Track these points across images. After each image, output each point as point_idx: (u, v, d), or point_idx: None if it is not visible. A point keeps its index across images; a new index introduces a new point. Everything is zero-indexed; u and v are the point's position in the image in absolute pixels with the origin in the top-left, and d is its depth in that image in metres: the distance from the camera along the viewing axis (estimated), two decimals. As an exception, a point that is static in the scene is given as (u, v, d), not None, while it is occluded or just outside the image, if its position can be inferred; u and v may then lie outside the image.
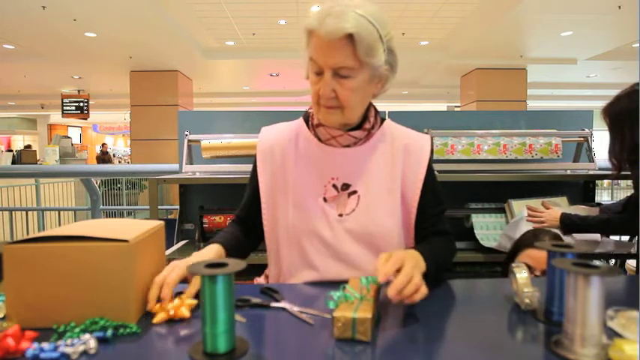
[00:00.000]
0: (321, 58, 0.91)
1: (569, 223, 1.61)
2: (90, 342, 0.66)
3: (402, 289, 0.76)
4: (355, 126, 1.01)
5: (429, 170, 1.05)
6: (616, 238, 1.87)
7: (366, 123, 1.01)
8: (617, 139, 1.50)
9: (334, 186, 1.02)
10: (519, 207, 1.86)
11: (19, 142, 17.91)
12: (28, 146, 13.71)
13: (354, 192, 1.02)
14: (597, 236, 1.78)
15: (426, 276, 0.84)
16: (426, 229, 1.05)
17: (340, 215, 1.01)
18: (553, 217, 1.66)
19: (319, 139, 1.02)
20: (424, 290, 0.79)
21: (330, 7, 0.90)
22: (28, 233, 4.36)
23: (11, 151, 13.70)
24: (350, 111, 0.96)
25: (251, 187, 1.10)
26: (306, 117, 1.07)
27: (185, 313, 0.77)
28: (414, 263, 0.82)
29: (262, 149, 1.07)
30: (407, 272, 0.78)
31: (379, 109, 1.09)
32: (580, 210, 1.75)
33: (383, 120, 1.07)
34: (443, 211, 1.09)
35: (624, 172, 1.57)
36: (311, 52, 0.93)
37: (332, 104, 0.94)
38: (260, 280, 1.16)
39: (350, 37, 0.87)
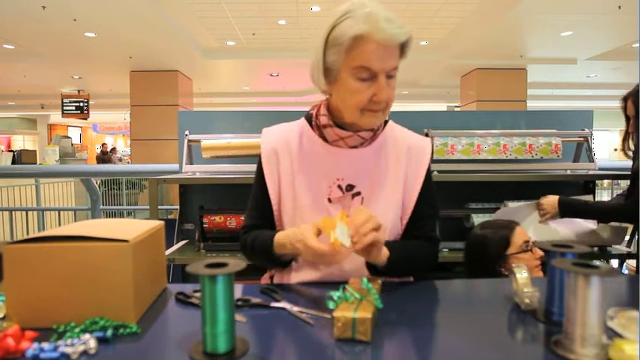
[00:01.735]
0: (378, 63, 0.89)
1: (568, 207, 1.64)
2: (90, 342, 0.66)
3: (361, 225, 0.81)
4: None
5: (428, 173, 1.05)
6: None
7: None
8: None
9: (339, 187, 1.02)
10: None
11: (19, 142, 17.91)
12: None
13: (358, 193, 1.02)
14: (592, 225, 1.79)
15: (387, 266, 0.92)
16: (414, 231, 1.05)
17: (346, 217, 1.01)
18: (550, 203, 1.68)
19: (325, 140, 1.02)
20: (380, 236, 0.84)
21: (363, 9, 0.89)
22: (28, 233, 4.36)
23: (13, 151, 13.58)
24: (389, 109, 0.98)
25: (259, 193, 1.07)
26: (309, 117, 1.07)
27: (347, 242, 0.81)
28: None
29: (266, 153, 1.06)
30: (367, 213, 0.84)
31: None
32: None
33: (386, 122, 1.07)
34: (434, 215, 1.09)
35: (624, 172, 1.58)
36: (362, 59, 0.89)
37: (380, 107, 0.94)
38: (265, 278, 1.16)
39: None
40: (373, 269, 0.97)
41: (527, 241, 1.33)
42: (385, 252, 0.92)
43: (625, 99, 1.55)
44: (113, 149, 14.25)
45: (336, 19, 0.91)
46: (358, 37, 0.88)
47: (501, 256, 1.32)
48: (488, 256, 1.33)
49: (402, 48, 0.93)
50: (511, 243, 1.32)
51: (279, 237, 0.96)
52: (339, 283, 0.81)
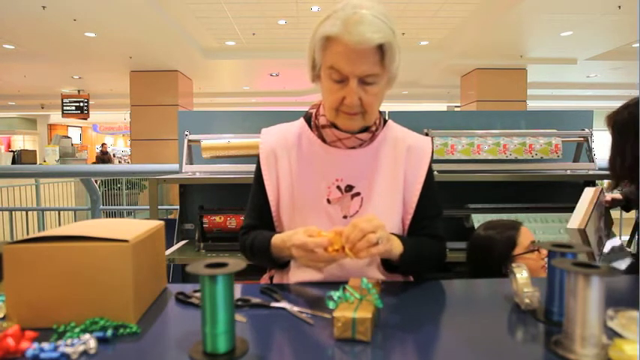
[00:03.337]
0: (347, 66, 0.87)
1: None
2: (90, 342, 0.66)
3: (355, 242, 0.80)
4: (362, 128, 1.00)
5: (429, 173, 1.05)
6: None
7: (372, 125, 1.01)
8: (619, 150, 1.47)
9: (338, 187, 1.01)
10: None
11: (19, 142, 17.92)
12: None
13: (358, 194, 1.01)
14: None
15: (400, 262, 0.93)
16: (419, 231, 1.04)
17: (345, 217, 1.01)
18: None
19: (323, 141, 1.02)
20: (379, 248, 0.82)
21: (346, 10, 0.86)
22: (28, 233, 4.36)
23: (13, 151, 13.48)
24: (371, 115, 0.96)
25: (258, 193, 1.07)
26: (307, 117, 1.07)
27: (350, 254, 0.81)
28: (382, 232, 0.84)
29: (265, 154, 1.05)
30: (363, 227, 0.81)
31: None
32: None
33: (385, 121, 1.07)
34: (438, 215, 1.08)
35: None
36: (332, 60, 0.89)
37: (355, 111, 0.93)
38: (265, 279, 1.16)
39: (379, 46, 0.86)
40: (387, 265, 0.98)
41: (534, 241, 1.31)
42: (399, 247, 0.92)
43: (609, 118, 1.49)
44: (106, 152, 14.01)
45: (325, 16, 0.91)
46: (329, 38, 0.88)
47: (507, 257, 1.30)
48: (494, 258, 1.31)
49: (383, 53, 0.87)
50: (517, 243, 1.30)
51: (275, 240, 0.96)
52: (339, 283, 0.81)
